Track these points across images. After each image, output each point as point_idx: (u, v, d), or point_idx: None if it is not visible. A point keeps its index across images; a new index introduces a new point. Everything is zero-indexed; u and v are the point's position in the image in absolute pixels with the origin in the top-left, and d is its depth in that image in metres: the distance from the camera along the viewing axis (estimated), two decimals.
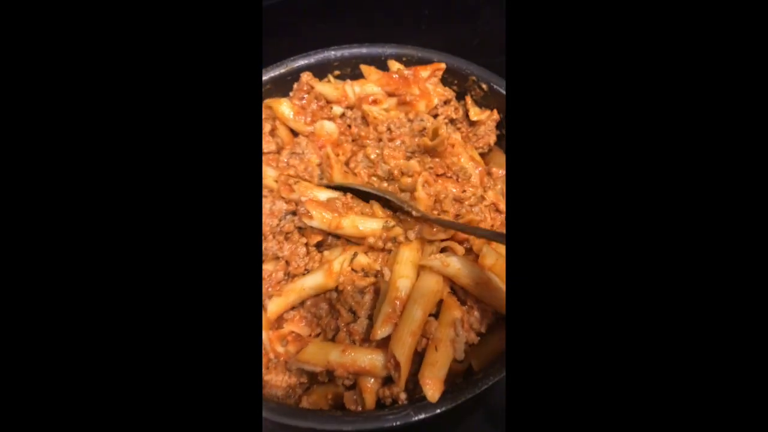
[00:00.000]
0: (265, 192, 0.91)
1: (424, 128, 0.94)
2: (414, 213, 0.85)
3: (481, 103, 1.05)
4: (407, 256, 0.81)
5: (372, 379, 0.75)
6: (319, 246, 0.88)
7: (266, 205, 0.87)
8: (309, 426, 0.71)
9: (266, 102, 1.01)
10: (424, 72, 1.03)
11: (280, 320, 0.84)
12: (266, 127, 1.00)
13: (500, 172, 0.97)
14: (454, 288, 0.82)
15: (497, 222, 0.88)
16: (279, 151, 0.99)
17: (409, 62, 1.05)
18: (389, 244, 0.85)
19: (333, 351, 0.76)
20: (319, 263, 0.85)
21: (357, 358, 0.75)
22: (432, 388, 0.69)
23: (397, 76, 1.02)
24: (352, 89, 1.02)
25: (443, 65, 1.04)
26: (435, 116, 1.02)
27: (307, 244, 0.87)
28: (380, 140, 0.95)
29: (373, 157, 0.92)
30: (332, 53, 1.06)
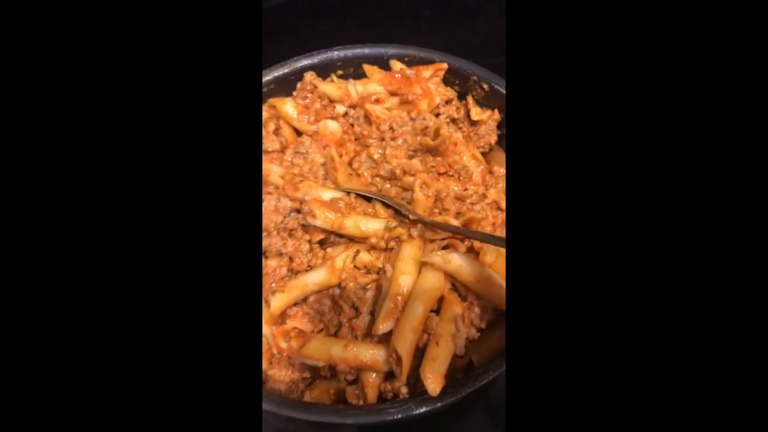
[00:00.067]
0: (270, 189, 0.93)
1: (427, 127, 0.95)
2: (411, 216, 0.85)
3: (482, 103, 1.06)
4: (409, 253, 0.83)
5: (374, 374, 0.76)
6: (322, 243, 0.90)
7: (271, 201, 0.89)
8: (312, 418, 0.72)
9: (270, 101, 1.02)
10: (426, 72, 1.04)
11: (283, 316, 0.85)
12: (270, 126, 1.01)
13: (501, 170, 0.98)
14: (455, 285, 0.83)
15: (498, 220, 0.89)
16: (283, 149, 1.00)
17: (411, 62, 1.06)
18: (391, 243, 0.87)
19: (335, 346, 0.77)
20: (322, 260, 0.87)
21: (359, 353, 0.76)
22: (433, 382, 0.70)
23: (399, 75, 1.03)
24: (355, 88, 1.02)
25: (445, 65, 1.05)
26: (437, 115, 1.02)
27: (310, 241, 0.88)
28: (383, 139, 0.96)
29: (376, 157, 0.93)
30: (335, 53, 1.07)
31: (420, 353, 0.76)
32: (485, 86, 1.03)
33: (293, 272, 0.87)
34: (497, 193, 0.91)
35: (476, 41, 1.42)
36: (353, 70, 1.09)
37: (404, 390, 0.75)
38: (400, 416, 0.70)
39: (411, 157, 0.93)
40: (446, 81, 1.07)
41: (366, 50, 1.07)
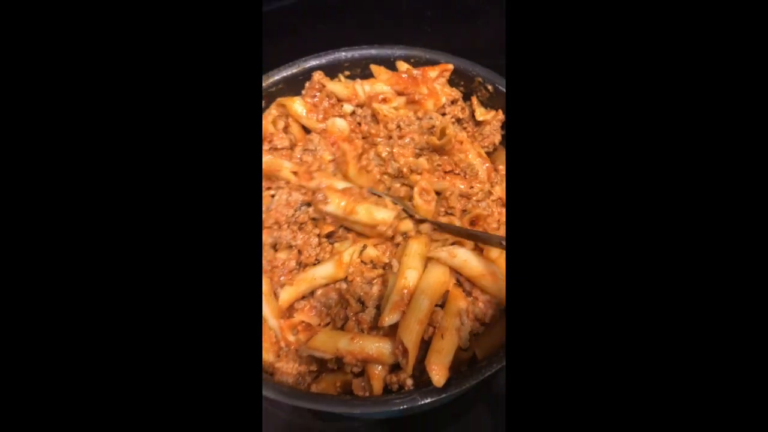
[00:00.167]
0: (282, 183, 0.95)
1: (433, 126, 0.96)
2: (417, 216, 0.87)
3: (486, 104, 1.07)
4: (416, 248, 0.84)
5: (379, 366, 0.78)
6: (330, 237, 0.91)
7: (283, 196, 0.91)
8: (320, 408, 0.73)
9: (279, 100, 1.04)
10: (432, 72, 1.05)
11: (290, 310, 0.87)
12: (279, 124, 1.03)
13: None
14: (460, 280, 0.85)
15: (504, 216, 0.91)
16: (292, 147, 1.01)
17: (417, 63, 1.08)
18: (399, 238, 0.88)
19: (342, 339, 0.78)
20: (330, 254, 0.88)
21: (365, 346, 0.77)
22: (438, 373, 0.72)
23: (406, 75, 1.05)
24: (362, 88, 1.04)
25: (451, 66, 1.06)
26: (443, 115, 1.04)
27: (319, 235, 0.90)
28: (390, 137, 0.97)
29: (384, 155, 0.94)
30: (343, 54, 1.09)
31: (425, 346, 0.77)
32: (489, 87, 1.04)
33: (302, 265, 0.89)
34: (502, 190, 0.93)
35: (478, 42, 1.40)
36: (360, 71, 1.10)
37: (409, 382, 0.76)
38: (405, 407, 0.71)
39: (418, 156, 0.94)
40: (451, 82, 1.09)
41: (373, 51, 1.09)
